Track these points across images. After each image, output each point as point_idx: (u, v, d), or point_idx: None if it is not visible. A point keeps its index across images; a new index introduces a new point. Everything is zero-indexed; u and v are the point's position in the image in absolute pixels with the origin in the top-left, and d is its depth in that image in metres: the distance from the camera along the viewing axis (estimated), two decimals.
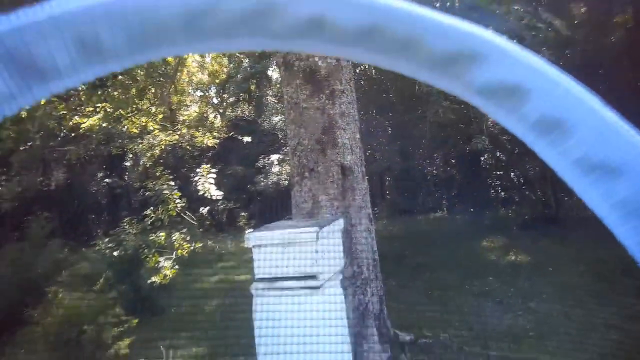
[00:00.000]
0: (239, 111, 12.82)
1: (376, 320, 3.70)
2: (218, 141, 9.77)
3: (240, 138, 9.99)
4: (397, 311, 4.57)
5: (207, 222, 10.85)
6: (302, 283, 2.84)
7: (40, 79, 0.27)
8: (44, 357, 4.21)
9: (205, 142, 8.48)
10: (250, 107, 12.66)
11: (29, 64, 0.26)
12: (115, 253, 5.90)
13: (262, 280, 2.94)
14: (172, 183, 6.16)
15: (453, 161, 13.14)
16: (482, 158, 12.29)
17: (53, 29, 0.26)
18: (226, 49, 0.32)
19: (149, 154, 7.88)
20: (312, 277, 2.84)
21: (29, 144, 7.83)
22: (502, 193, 12.53)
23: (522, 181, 10.90)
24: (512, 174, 11.24)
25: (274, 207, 10.98)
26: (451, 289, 5.44)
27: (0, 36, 0.25)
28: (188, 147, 9.39)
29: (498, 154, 10.19)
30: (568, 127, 0.30)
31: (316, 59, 3.91)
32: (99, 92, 6.33)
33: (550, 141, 0.31)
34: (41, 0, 0.27)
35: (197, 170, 6.52)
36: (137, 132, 7.52)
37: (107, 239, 6.56)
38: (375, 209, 5.01)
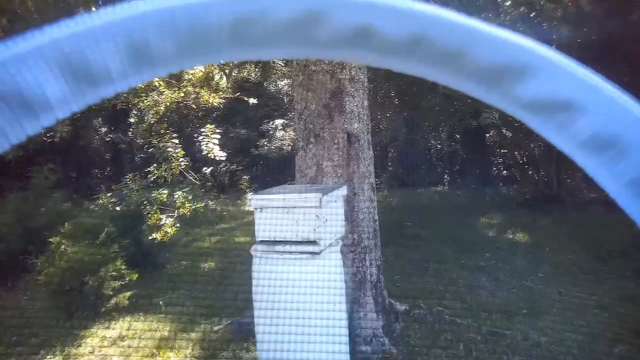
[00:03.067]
0: (245, 73, 12.65)
1: (373, 289, 3.77)
2: (223, 101, 9.67)
3: (246, 99, 9.89)
4: (393, 281, 4.65)
5: (209, 183, 10.90)
6: (302, 248, 2.87)
7: (93, 84, 0.27)
8: (46, 305, 4.32)
9: (210, 101, 8.40)
10: (257, 70, 12.48)
11: (84, 69, 0.27)
12: (117, 208, 5.96)
13: (262, 242, 2.97)
14: (177, 141, 6.15)
15: (458, 136, 13.07)
16: (487, 135, 12.23)
17: (107, 35, 0.26)
18: (271, 57, 0.31)
19: (153, 111, 7.83)
20: (313, 242, 2.87)
21: None
22: (504, 171, 12.52)
23: (525, 160, 10.87)
24: (516, 152, 11.18)
25: (276, 172, 11.00)
26: (447, 262, 5.51)
27: (59, 42, 0.26)
28: (193, 105, 9.31)
29: (504, 130, 10.11)
30: (623, 147, 0.29)
31: None
32: None
33: (603, 161, 0.30)
34: (94, 6, 0.27)
35: (202, 130, 6.49)
36: (142, 87, 7.45)
37: (109, 194, 6.62)
38: (377, 179, 5.00)
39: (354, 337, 3.33)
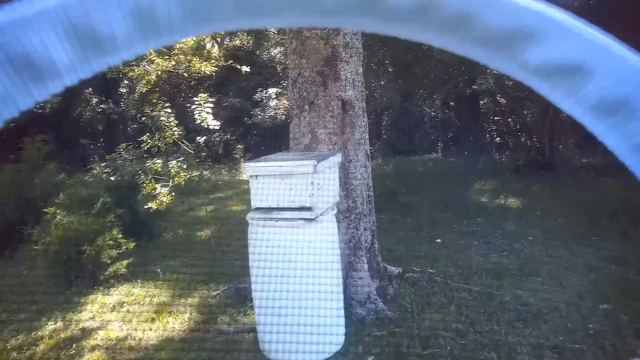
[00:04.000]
0: (237, 41, 12.43)
1: (367, 254, 3.84)
2: (216, 70, 9.54)
3: (239, 67, 9.76)
4: (387, 246, 4.73)
5: (203, 153, 10.87)
6: (297, 214, 2.91)
7: (100, 50, 0.27)
8: (45, 274, 4.37)
9: (202, 69, 8.28)
10: (250, 38, 12.26)
11: (90, 35, 0.26)
12: (112, 178, 5.95)
13: (258, 209, 3.01)
14: (169, 110, 6.10)
15: (452, 103, 13.03)
16: (481, 102, 12.19)
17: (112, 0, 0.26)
18: (276, 26, 0.32)
19: (144, 80, 7.72)
20: (308, 209, 2.91)
21: None
22: (498, 138, 12.56)
23: (518, 127, 10.90)
24: (509, 119, 11.19)
25: (270, 141, 10.96)
26: (440, 227, 5.60)
27: (64, 6, 0.26)
28: (185, 74, 9.19)
29: (498, 97, 10.08)
30: (633, 108, 0.28)
31: None
32: None
33: (613, 124, 0.29)
34: None
35: (194, 99, 6.43)
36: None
37: (103, 164, 6.59)
38: (371, 147, 5.01)
39: (348, 300, 3.43)
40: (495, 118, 12.32)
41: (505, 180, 7.81)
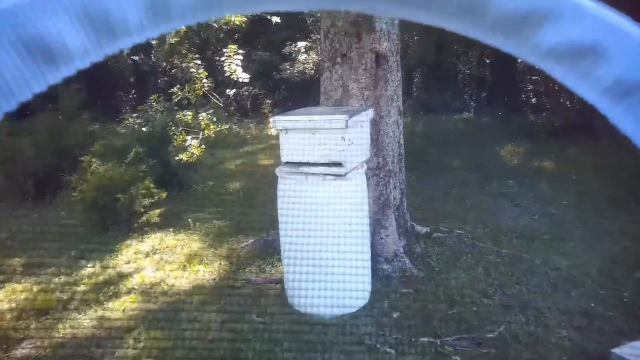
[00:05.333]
0: None
1: (395, 212, 3.82)
2: (245, 20, 9.35)
3: (269, 18, 9.54)
4: (416, 205, 4.70)
5: (232, 107, 10.86)
6: (327, 170, 2.89)
7: (111, 34, 0.27)
8: (82, 220, 4.55)
9: (232, 19, 8.12)
10: None
11: (102, 19, 0.26)
12: (143, 129, 6.04)
13: (287, 164, 3.00)
14: (199, 62, 6.06)
15: (487, 61, 12.51)
16: (519, 60, 11.66)
17: None
18: (287, 9, 0.31)
19: (174, 31, 7.65)
20: (338, 164, 2.89)
21: None
22: (534, 99, 12.07)
23: (556, 87, 10.42)
24: (547, 79, 10.69)
25: (298, 96, 10.84)
26: (470, 188, 5.52)
27: None
28: (215, 24, 9.05)
29: None
30: None
31: None
32: None
33: (627, 107, 0.28)
34: None
35: (224, 50, 6.35)
36: None
37: (135, 115, 6.68)
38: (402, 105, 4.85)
39: (375, 257, 3.45)
40: (533, 77, 11.80)
41: (540, 142, 7.56)
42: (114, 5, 0.26)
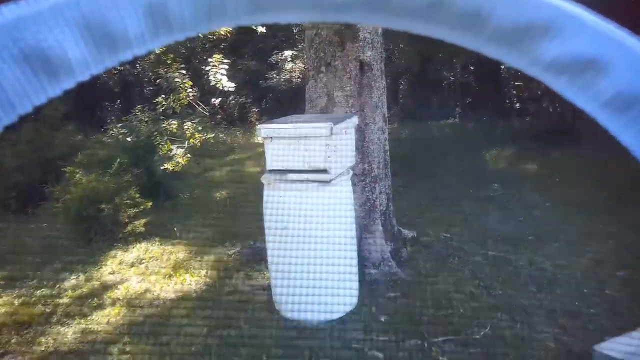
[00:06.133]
0: None
1: (382, 217, 3.84)
2: (231, 30, 9.38)
3: (254, 28, 9.58)
4: (402, 210, 4.72)
5: (219, 116, 10.85)
6: (313, 177, 2.90)
7: (112, 46, 0.27)
8: (66, 231, 4.49)
9: (217, 30, 8.14)
10: None
11: (103, 31, 0.26)
12: (128, 139, 5.99)
13: (273, 171, 3.01)
14: (184, 72, 6.05)
15: (472, 67, 12.67)
16: (502, 66, 11.83)
17: None
18: (288, 21, 0.31)
19: None
20: (323, 171, 2.90)
21: None
22: (518, 104, 12.24)
23: (539, 93, 10.59)
24: (530, 84, 10.87)
25: (285, 105, 10.87)
26: (456, 192, 5.56)
27: (78, 1, 0.26)
28: (200, 35, 9.06)
29: None
30: None
31: None
32: None
33: (628, 120, 0.29)
34: None
35: (209, 60, 6.36)
36: None
37: (120, 125, 6.63)
38: (388, 112, 4.87)
39: (362, 262, 3.45)
40: (517, 83, 11.98)
41: (525, 147, 7.66)
42: (115, 17, 0.26)
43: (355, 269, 3.12)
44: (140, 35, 0.27)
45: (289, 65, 11.30)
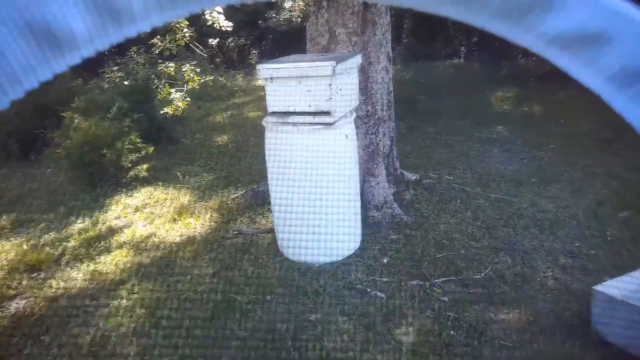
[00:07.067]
0: None
1: (385, 159, 3.81)
2: None
3: None
4: (405, 152, 4.69)
5: (218, 59, 10.57)
6: (315, 119, 2.84)
7: (117, 21, 0.27)
8: (70, 176, 4.49)
9: None
10: None
11: (108, 4, 0.26)
12: (125, 82, 5.86)
13: (274, 114, 2.94)
14: None
15: None
16: None
17: None
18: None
19: None
20: (326, 113, 2.83)
21: None
22: None
23: None
24: None
25: (286, 46, 10.55)
26: (459, 134, 5.50)
27: None
28: None
29: None
30: None
31: None
32: None
33: (633, 94, 0.28)
34: None
35: None
36: None
37: (116, 68, 6.47)
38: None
39: (365, 204, 3.47)
40: None
41: (530, 88, 7.50)
42: None
43: (358, 212, 3.14)
44: (144, 8, 0.27)
45: (288, 4, 10.86)
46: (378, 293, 2.64)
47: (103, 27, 0.26)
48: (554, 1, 0.27)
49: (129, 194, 4.24)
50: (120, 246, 3.34)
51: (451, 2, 0.28)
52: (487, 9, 0.28)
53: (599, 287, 2.06)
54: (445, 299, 2.56)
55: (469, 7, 0.28)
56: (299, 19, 10.42)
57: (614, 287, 1.98)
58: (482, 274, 2.76)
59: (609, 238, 3.08)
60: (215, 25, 5.95)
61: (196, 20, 7.56)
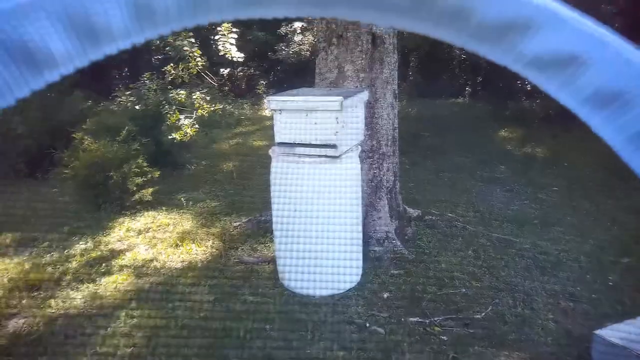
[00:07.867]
0: None
1: (388, 194, 3.85)
2: None
3: None
4: (408, 188, 4.73)
5: (226, 87, 10.76)
6: (321, 151, 2.89)
7: (95, 40, 0.27)
8: (75, 197, 4.53)
9: None
10: None
11: (86, 25, 0.26)
12: (136, 107, 5.98)
13: (281, 144, 3.00)
14: (193, 40, 5.98)
15: None
16: None
17: None
18: (272, 16, 0.31)
19: None
20: (332, 146, 2.89)
21: None
22: (528, 85, 12.06)
23: None
24: None
25: (294, 78, 10.76)
26: (463, 172, 5.55)
27: None
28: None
29: None
30: (627, 100, 0.28)
31: None
32: None
33: (607, 115, 0.29)
34: None
35: (218, 29, 6.28)
36: None
37: (128, 92, 6.61)
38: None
39: (367, 239, 3.48)
40: None
41: (534, 129, 7.59)
42: (98, 11, 0.26)
43: (359, 246, 3.15)
44: (124, 29, 0.27)
45: (298, 38, 11.13)
46: (377, 328, 2.63)
47: (82, 46, 0.27)
48: (530, 25, 0.28)
49: (133, 217, 4.27)
50: (121, 269, 3.34)
51: (432, 22, 0.29)
52: (466, 29, 0.29)
53: (600, 332, 2.05)
54: (445, 337, 2.54)
55: (448, 27, 0.29)
56: (307, 52, 10.67)
57: (615, 332, 1.98)
58: (483, 314, 2.74)
59: (610, 283, 3.07)
60: (227, 55, 6.12)
61: (208, 50, 7.76)
